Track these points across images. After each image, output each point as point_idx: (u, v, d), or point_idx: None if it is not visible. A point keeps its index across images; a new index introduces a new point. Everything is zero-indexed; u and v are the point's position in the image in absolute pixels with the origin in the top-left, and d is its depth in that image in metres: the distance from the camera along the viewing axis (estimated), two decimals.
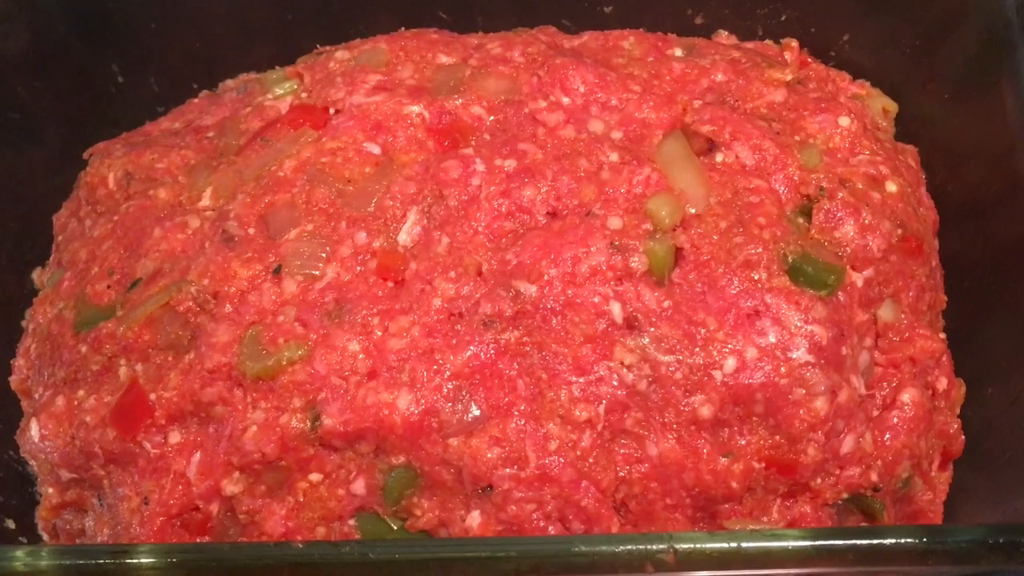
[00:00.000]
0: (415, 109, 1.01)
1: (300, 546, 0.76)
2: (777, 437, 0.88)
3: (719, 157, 0.98)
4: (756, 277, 0.91)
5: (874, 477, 0.90)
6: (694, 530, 0.88)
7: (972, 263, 1.03)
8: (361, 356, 0.88)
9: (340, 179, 0.97)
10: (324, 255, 0.93)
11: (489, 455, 0.86)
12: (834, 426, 0.89)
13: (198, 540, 0.89)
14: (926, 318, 0.98)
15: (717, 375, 0.88)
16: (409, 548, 0.78)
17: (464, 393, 0.87)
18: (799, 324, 0.89)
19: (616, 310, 0.89)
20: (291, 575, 0.75)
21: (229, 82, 1.18)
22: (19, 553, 0.75)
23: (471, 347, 0.88)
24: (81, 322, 0.96)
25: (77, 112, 1.13)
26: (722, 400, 0.88)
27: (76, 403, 0.93)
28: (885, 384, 0.94)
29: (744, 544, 0.74)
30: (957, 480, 0.99)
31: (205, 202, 0.99)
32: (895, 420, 0.92)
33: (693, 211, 0.93)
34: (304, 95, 1.06)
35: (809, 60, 1.14)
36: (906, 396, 0.93)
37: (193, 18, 1.15)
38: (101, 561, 0.75)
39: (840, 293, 0.92)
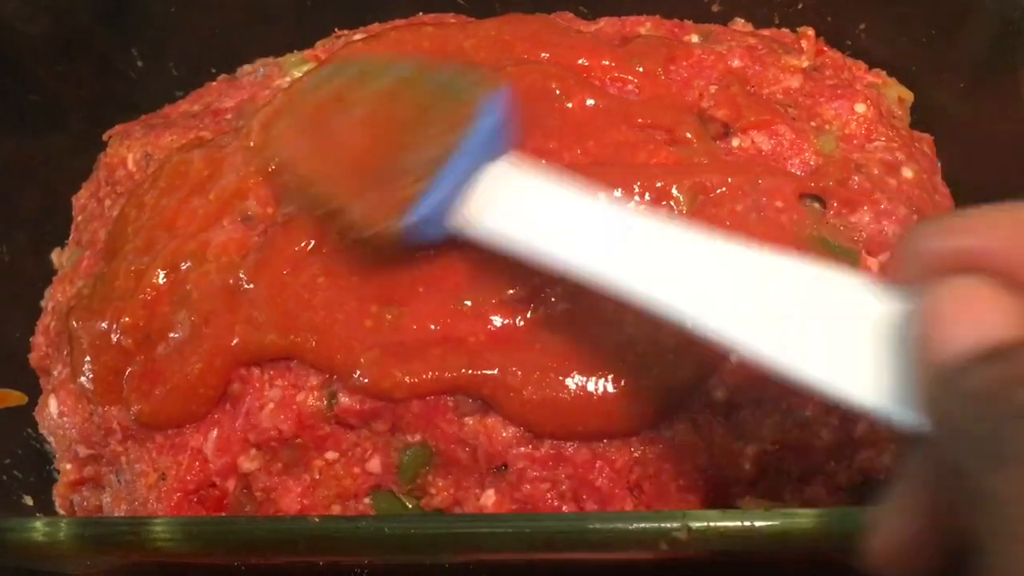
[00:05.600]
0: None
1: (316, 520, 0.77)
2: (790, 420, 0.89)
3: (735, 142, 0.98)
4: None
5: (888, 461, 0.90)
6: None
7: None
8: None
9: None
10: None
11: (504, 434, 0.86)
12: (848, 409, 0.89)
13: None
14: None
15: (731, 357, 0.88)
16: (424, 523, 0.78)
17: None
18: None
19: None
20: (307, 549, 0.75)
21: (247, 66, 1.18)
22: (38, 524, 0.76)
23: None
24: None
25: (98, 95, 1.14)
26: (736, 383, 0.88)
27: None
28: None
29: (758, 523, 0.73)
30: None
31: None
32: None
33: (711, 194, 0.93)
34: None
35: (825, 49, 1.14)
36: None
37: (212, 3, 1.16)
38: (119, 532, 0.76)
39: None
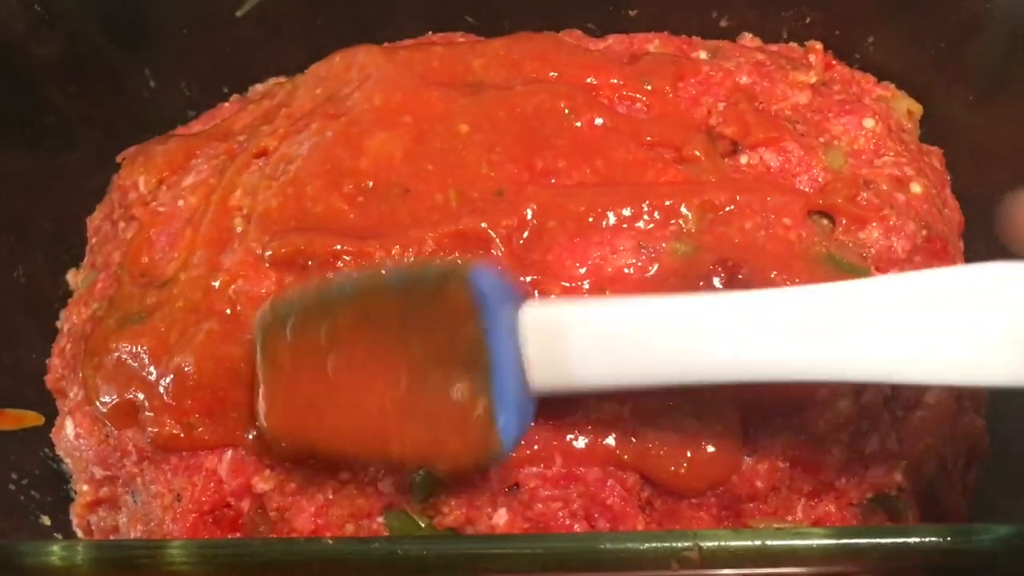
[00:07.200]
0: None
1: (330, 542, 0.77)
2: (802, 437, 0.89)
3: (744, 159, 0.99)
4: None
5: (898, 477, 0.91)
6: (719, 528, 0.89)
7: None
8: None
9: None
10: None
11: (515, 454, 0.87)
12: (859, 426, 0.89)
13: (230, 537, 0.91)
14: None
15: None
16: (437, 544, 0.78)
17: None
18: None
19: None
20: (321, 570, 0.76)
21: (259, 86, 1.19)
22: (55, 548, 0.76)
23: None
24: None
25: (111, 116, 1.15)
26: (747, 399, 0.88)
27: None
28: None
29: (769, 542, 0.74)
30: (982, 481, 0.99)
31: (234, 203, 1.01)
32: (920, 421, 0.93)
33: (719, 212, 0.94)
34: None
35: (834, 62, 1.14)
36: (931, 397, 0.94)
37: (224, 23, 1.17)
38: (135, 555, 0.76)
39: None
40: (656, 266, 0.91)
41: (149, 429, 0.90)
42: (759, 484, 0.88)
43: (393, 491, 0.89)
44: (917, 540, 0.74)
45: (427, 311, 0.78)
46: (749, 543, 0.74)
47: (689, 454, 0.87)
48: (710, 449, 0.87)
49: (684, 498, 0.89)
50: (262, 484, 0.90)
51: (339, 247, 0.91)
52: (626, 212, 0.92)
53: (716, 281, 0.90)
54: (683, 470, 0.87)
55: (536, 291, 0.90)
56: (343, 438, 0.81)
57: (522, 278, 0.90)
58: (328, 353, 0.80)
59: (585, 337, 0.77)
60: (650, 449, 0.87)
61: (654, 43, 1.12)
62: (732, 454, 0.88)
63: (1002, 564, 0.76)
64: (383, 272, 0.84)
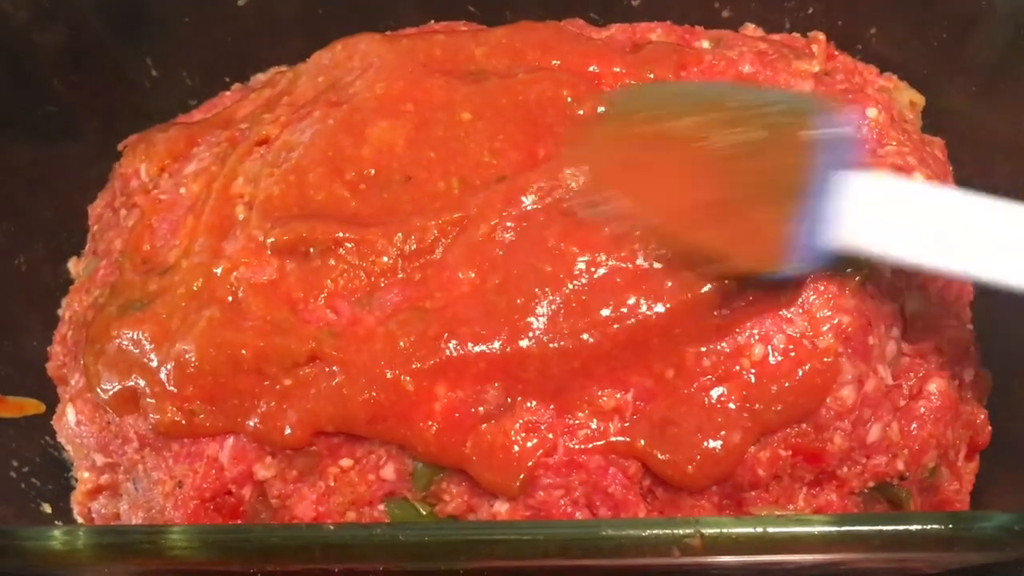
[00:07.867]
0: None
1: (331, 528, 0.77)
2: (804, 425, 0.89)
3: None
4: None
5: (900, 466, 0.91)
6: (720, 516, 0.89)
7: None
8: None
9: None
10: None
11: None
12: (860, 415, 0.89)
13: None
14: (953, 309, 0.98)
15: (744, 363, 0.88)
16: (438, 531, 0.79)
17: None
18: (827, 313, 0.90)
19: None
20: (322, 556, 0.76)
21: (260, 75, 1.19)
22: (57, 533, 0.77)
23: None
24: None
25: (112, 105, 1.15)
26: (748, 388, 0.88)
27: None
28: (912, 374, 0.94)
29: (770, 529, 0.74)
30: (983, 470, 0.99)
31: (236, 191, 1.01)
32: (922, 410, 0.93)
33: None
34: None
35: (836, 53, 1.14)
36: (933, 386, 0.93)
37: (225, 13, 1.17)
38: (136, 540, 0.77)
39: (867, 283, 0.92)
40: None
41: (150, 416, 0.90)
42: (761, 472, 0.88)
43: (394, 478, 0.89)
44: (919, 527, 0.74)
45: (766, 133, 0.88)
46: (751, 530, 0.74)
47: (694, 450, 0.87)
48: (715, 445, 0.87)
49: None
50: (263, 471, 0.90)
51: (341, 234, 0.91)
52: None
53: None
54: (688, 468, 0.87)
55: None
56: (655, 208, 0.88)
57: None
58: (665, 142, 0.90)
59: (900, 212, 0.85)
60: (654, 443, 0.87)
61: (656, 32, 1.12)
62: (737, 449, 0.87)
63: (1003, 551, 0.76)
64: (736, 89, 0.97)
